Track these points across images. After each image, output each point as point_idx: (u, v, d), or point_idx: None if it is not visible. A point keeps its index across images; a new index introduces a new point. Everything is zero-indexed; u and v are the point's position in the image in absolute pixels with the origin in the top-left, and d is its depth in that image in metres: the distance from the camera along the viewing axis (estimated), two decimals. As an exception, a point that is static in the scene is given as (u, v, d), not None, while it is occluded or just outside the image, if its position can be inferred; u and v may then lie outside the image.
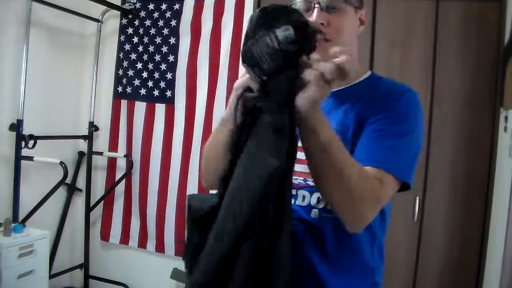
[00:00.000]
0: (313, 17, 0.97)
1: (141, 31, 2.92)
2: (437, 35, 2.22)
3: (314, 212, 0.98)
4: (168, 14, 2.85)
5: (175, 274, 2.77)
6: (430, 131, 2.18)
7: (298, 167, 1.01)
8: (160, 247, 2.89)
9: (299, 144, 0.87)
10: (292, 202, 1.01)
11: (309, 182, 0.99)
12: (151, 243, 2.93)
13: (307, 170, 0.99)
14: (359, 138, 0.96)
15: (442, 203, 2.21)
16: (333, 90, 1.05)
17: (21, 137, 2.49)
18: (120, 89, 3.00)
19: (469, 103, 2.19)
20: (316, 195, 0.98)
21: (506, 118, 1.93)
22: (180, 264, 2.80)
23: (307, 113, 0.79)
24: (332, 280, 0.96)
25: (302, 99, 0.78)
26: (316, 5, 0.96)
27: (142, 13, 2.92)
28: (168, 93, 2.86)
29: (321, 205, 0.97)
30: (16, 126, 2.50)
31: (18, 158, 2.51)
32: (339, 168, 0.82)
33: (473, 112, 2.18)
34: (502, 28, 2.08)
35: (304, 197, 0.99)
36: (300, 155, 1.02)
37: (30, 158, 2.51)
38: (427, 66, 2.23)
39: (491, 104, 2.13)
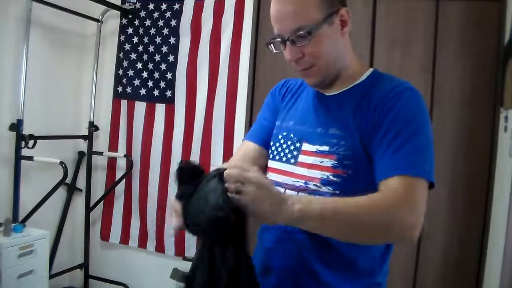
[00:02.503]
0: (287, 53, 0.99)
1: (141, 31, 2.92)
2: (437, 35, 2.22)
3: None
4: (168, 14, 2.85)
5: (175, 274, 2.77)
6: (430, 131, 2.18)
7: (299, 170, 1.01)
8: (160, 247, 2.89)
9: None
10: None
11: (309, 186, 0.99)
12: (151, 243, 2.93)
13: (309, 174, 0.99)
14: (365, 144, 0.95)
15: (442, 203, 2.21)
16: (334, 93, 1.05)
17: (21, 137, 2.49)
18: (120, 89, 3.00)
19: (469, 103, 2.19)
20: None
21: (506, 118, 1.92)
22: (180, 264, 2.80)
23: (272, 219, 0.82)
24: (333, 282, 0.96)
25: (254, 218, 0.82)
26: (287, 42, 0.97)
27: (142, 13, 2.91)
28: (168, 93, 2.86)
29: None
30: (16, 126, 2.50)
31: (18, 158, 2.51)
32: (351, 226, 0.85)
33: (473, 112, 2.18)
34: (502, 28, 2.08)
35: None
36: (302, 158, 1.02)
37: (30, 158, 2.51)
38: (427, 66, 2.23)
39: (491, 104, 2.13)
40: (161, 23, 2.86)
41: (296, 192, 1.00)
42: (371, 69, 1.06)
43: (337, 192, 0.95)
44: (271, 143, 1.12)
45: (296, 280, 0.97)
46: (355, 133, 0.96)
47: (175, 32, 2.83)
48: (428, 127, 0.95)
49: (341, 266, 0.97)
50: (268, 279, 1.00)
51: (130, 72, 2.96)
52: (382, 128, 0.93)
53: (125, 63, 2.97)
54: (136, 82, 2.94)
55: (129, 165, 2.93)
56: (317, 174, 0.97)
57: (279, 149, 1.08)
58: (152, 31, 2.88)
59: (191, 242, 2.77)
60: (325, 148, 0.98)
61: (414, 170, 0.88)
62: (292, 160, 1.03)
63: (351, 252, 0.97)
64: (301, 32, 0.94)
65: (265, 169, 1.11)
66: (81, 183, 3.05)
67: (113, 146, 3.03)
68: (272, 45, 1.02)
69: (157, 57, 2.87)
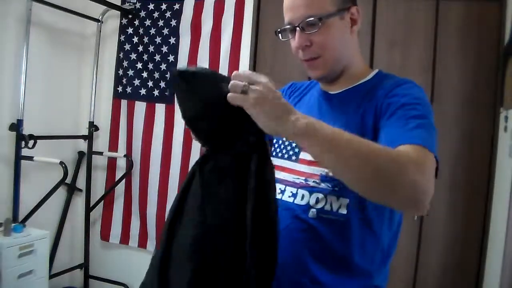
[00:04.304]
0: (295, 41, 0.99)
1: (141, 31, 2.92)
2: (437, 35, 2.22)
3: (312, 212, 0.98)
4: (168, 14, 2.85)
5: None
6: (430, 131, 2.18)
7: (300, 167, 1.02)
8: (160, 247, 2.89)
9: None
10: (291, 200, 1.01)
11: (309, 182, 0.99)
12: (151, 243, 2.93)
13: (309, 171, 0.99)
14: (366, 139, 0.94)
15: (442, 203, 2.21)
16: (338, 92, 1.05)
17: (21, 137, 2.49)
18: (120, 89, 3.00)
19: (469, 103, 2.19)
20: (315, 196, 0.98)
21: (506, 118, 1.93)
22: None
23: (277, 129, 0.76)
24: (326, 281, 0.96)
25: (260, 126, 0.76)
26: (297, 28, 0.98)
27: (142, 13, 2.91)
28: (168, 93, 2.86)
29: (319, 205, 0.97)
30: (16, 126, 2.50)
31: (18, 158, 2.51)
32: (361, 158, 0.76)
33: (473, 112, 2.18)
34: (502, 28, 2.08)
35: (303, 196, 1.00)
36: (303, 155, 1.03)
37: (30, 158, 2.51)
38: (427, 66, 2.23)
39: (491, 104, 2.13)
40: (161, 23, 2.87)
41: (295, 189, 1.01)
42: (376, 70, 1.08)
43: (336, 188, 0.95)
44: (274, 141, 1.14)
45: (293, 279, 0.97)
46: (356, 130, 0.96)
47: (175, 32, 2.83)
48: (432, 115, 0.94)
49: (336, 265, 0.97)
50: None
51: (130, 72, 2.96)
52: (387, 113, 0.92)
53: (125, 63, 2.97)
54: (136, 82, 2.94)
55: (129, 165, 2.93)
56: (316, 170, 0.98)
57: (281, 146, 1.10)
58: (152, 31, 2.88)
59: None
60: None
61: (425, 142, 0.84)
62: (294, 157, 1.05)
63: (345, 250, 0.96)
64: (312, 19, 0.96)
65: None
66: (81, 183, 3.05)
67: (113, 146, 3.03)
68: (280, 34, 1.04)
69: (157, 57, 2.87)
